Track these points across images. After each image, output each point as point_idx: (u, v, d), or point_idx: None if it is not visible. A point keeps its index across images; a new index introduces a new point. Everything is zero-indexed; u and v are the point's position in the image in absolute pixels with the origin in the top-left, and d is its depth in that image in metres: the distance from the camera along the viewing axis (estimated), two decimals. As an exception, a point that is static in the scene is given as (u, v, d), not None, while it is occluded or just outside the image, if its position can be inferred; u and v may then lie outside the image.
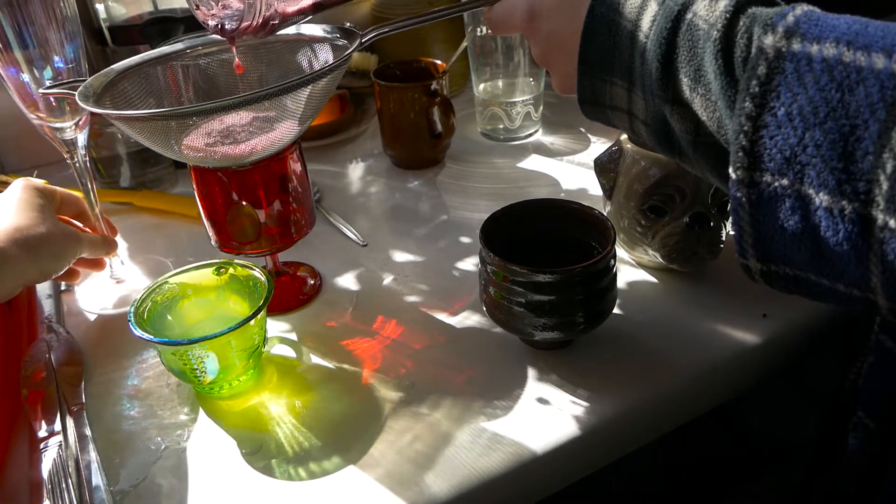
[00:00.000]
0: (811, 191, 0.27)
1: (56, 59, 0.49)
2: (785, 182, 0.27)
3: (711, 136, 0.33)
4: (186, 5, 0.79)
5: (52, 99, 0.50)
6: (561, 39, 0.40)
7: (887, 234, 0.25)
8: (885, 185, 0.24)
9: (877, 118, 0.24)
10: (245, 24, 0.43)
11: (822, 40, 0.26)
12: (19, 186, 0.51)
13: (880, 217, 0.25)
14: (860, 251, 0.26)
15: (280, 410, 0.46)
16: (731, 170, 0.29)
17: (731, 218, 0.30)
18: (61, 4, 0.48)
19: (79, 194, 0.57)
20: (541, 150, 0.78)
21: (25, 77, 0.49)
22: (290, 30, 0.53)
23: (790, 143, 0.27)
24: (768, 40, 0.28)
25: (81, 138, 0.54)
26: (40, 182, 0.53)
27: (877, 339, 0.43)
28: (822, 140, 0.26)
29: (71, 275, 0.56)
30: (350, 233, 0.65)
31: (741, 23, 0.30)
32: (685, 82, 0.33)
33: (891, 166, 0.24)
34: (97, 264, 0.59)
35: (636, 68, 0.35)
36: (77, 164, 0.54)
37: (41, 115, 0.51)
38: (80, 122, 0.53)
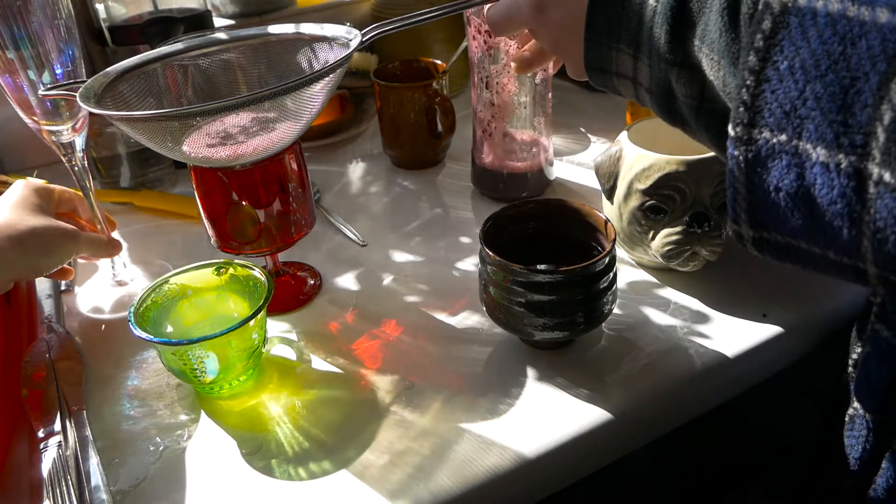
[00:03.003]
0: (808, 145, 0.27)
1: (53, 62, 0.49)
2: (783, 138, 0.27)
3: (714, 100, 0.34)
4: (186, 5, 0.79)
5: (48, 102, 0.50)
6: (573, 23, 0.41)
7: (882, 189, 0.25)
8: (881, 137, 0.24)
9: (877, 70, 0.25)
10: None
11: None
12: (18, 187, 0.52)
13: (875, 171, 0.25)
14: (853, 209, 0.26)
15: (280, 410, 0.46)
16: (730, 126, 0.29)
17: (725, 181, 0.30)
18: (58, 7, 0.48)
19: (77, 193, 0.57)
20: (541, 150, 0.78)
21: (22, 80, 0.49)
22: (290, 29, 0.53)
23: (791, 96, 0.27)
24: None
25: (79, 141, 0.54)
26: (40, 182, 0.53)
27: (873, 329, 0.43)
28: (822, 92, 0.26)
29: (63, 273, 0.56)
30: (350, 233, 0.65)
31: None
32: (694, 43, 0.33)
33: (888, 118, 0.24)
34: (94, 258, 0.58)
35: (644, 34, 0.36)
36: (76, 168, 0.54)
37: (38, 118, 0.51)
38: (78, 126, 0.53)
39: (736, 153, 0.29)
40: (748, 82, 0.28)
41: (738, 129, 0.29)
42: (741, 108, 0.29)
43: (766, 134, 0.28)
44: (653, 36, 0.35)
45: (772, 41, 0.27)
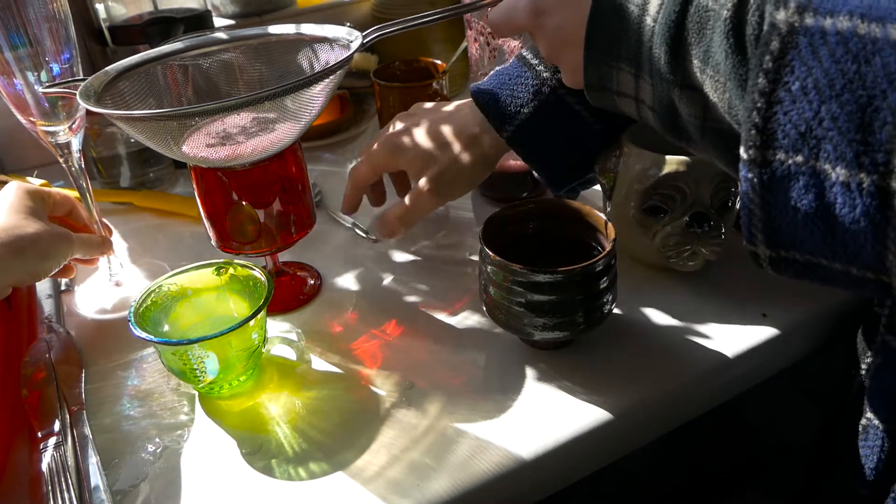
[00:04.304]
0: (827, 166, 0.26)
1: (50, 62, 0.49)
2: (799, 159, 0.27)
3: (719, 119, 0.33)
4: (186, 5, 0.79)
5: (45, 103, 0.50)
6: (569, 32, 0.40)
7: None
8: None
9: (894, 87, 0.24)
10: None
11: (835, 14, 0.26)
12: (11, 189, 0.51)
13: None
14: (877, 226, 0.26)
15: (280, 411, 0.46)
16: (742, 150, 0.29)
17: (739, 202, 0.29)
18: (55, 7, 0.48)
19: (73, 194, 0.57)
20: (541, 150, 0.78)
21: (17, 80, 0.49)
22: (291, 30, 0.53)
23: (805, 117, 0.27)
24: (780, 16, 0.27)
25: (76, 142, 0.53)
26: (33, 184, 0.53)
27: (883, 341, 0.42)
28: (838, 112, 0.26)
29: (65, 270, 0.56)
30: (360, 231, 0.65)
31: (752, 0, 0.30)
32: (695, 64, 0.33)
33: None
34: (90, 260, 0.58)
35: (644, 53, 0.35)
36: (72, 168, 0.54)
37: (34, 118, 0.51)
38: (74, 126, 0.53)
39: (750, 175, 0.28)
40: (759, 105, 0.28)
41: (750, 152, 0.28)
42: (753, 131, 0.28)
43: (781, 155, 0.27)
44: (652, 56, 0.35)
45: (781, 62, 0.27)
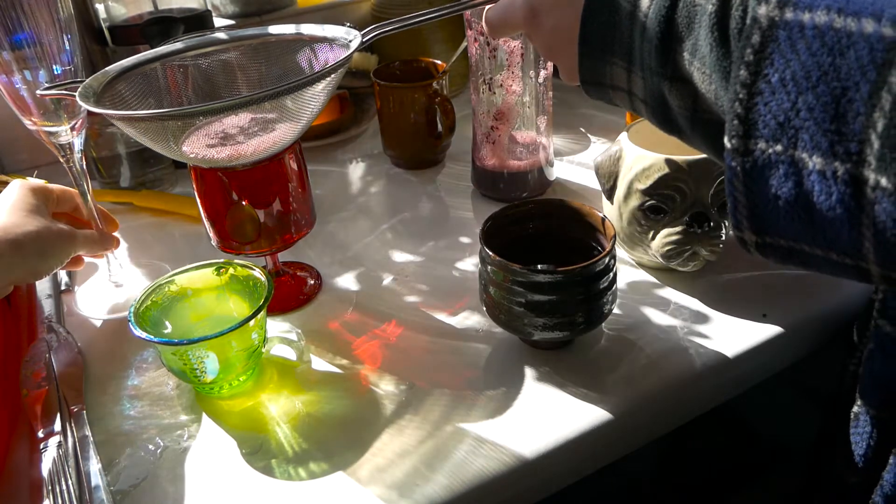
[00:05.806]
0: (804, 155, 0.27)
1: (52, 62, 0.49)
2: (779, 148, 0.28)
3: (707, 111, 0.34)
4: (186, 5, 0.79)
5: (48, 102, 0.50)
6: (565, 31, 0.41)
7: (879, 194, 0.25)
8: (875, 145, 0.25)
9: (867, 79, 0.25)
10: None
11: (813, 8, 0.27)
12: (14, 188, 0.51)
13: (872, 176, 0.25)
14: (853, 214, 0.26)
15: (280, 411, 0.46)
16: (726, 139, 0.30)
17: (725, 190, 0.31)
18: (57, 6, 0.48)
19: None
20: (541, 150, 0.78)
21: (18, 81, 0.49)
22: (290, 30, 0.53)
23: (784, 108, 0.28)
24: (762, 10, 0.28)
25: (77, 142, 0.53)
26: (36, 182, 0.53)
27: (875, 325, 0.43)
28: (814, 103, 0.27)
29: (74, 261, 0.56)
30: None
31: None
32: (684, 57, 0.34)
33: (881, 125, 0.25)
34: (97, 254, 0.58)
35: (636, 47, 0.36)
36: (73, 168, 0.54)
37: (35, 119, 0.51)
38: (77, 126, 0.53)
39: (734, 164, 0.30)
40: (741, 96, 0.29)
41: (733, 142, 0.29)
42: (735, 121, 0.29)
43: (762, 145, 0.28)
44: (643, 50, 0.36)
45: (762, 55, 0.28)
